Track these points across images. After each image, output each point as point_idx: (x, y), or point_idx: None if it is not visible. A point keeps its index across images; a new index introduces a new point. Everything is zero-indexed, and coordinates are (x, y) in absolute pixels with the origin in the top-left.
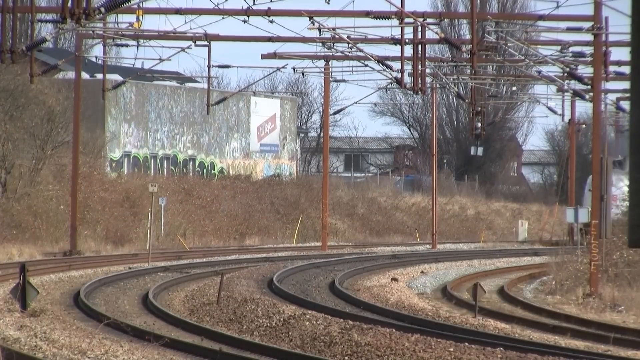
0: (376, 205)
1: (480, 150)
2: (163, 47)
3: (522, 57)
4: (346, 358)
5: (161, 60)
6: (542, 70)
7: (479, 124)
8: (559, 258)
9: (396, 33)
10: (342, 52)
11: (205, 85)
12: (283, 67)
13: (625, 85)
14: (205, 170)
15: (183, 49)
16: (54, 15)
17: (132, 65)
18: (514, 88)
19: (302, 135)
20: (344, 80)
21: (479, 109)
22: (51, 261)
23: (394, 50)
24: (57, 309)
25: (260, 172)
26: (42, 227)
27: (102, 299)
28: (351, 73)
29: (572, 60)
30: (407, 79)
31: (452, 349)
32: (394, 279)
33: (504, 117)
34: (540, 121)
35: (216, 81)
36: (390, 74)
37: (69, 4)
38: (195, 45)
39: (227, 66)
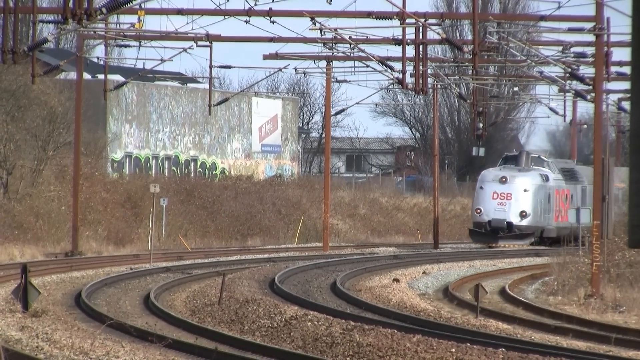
0: (378, 205)
1: (482, 151)
2: (164, 47)
3: (524, 58)
4: (348, 359)
5: (163, 60)
6: (544, 70)
7: (481, 125)
8: (561, 259)
9: (398, 33)
10: (343, 52)
11: (207, 86)
12: (284, 68)
13: (627, 85)
14: (206, 170)
15: (184, 50)
16: (55, 16)
17: (133, 66)
18: (516, 88)
19: (303, 135)
20: (345, 81)
21: (481, 109)
22: (53, 262)
23: (395, 51)
24: (58, 309)
25: (261, 172)
26: (43, 227)
27: (104, 299)
28: (353, 73)
29: (574, 61)
30: (409, 80)
31: (453, 350)
32: (396, 280)
33: (506, 117)
34: (542, 122)
35: (218, 82)
36: (391, 74)
37: (71, 4)
38: (197, 46)
39: (229, 67)
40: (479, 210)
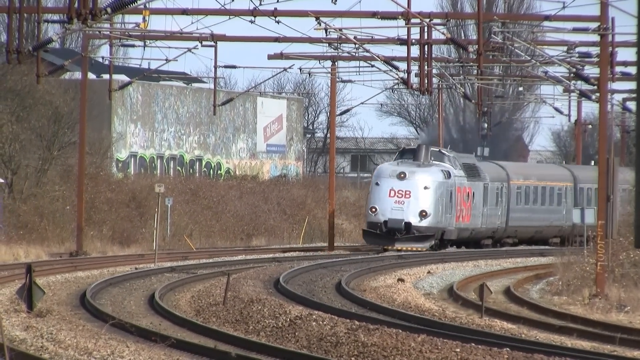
0: None
1: (486, 151)
2: (169, 47)
3: (529, 58)
4: (352, 358)
5: (168, 60)
6: (549, 70)
7: (486, 125)
8: (565, 258)
9: (403, 33)
10: (348, 52)
11: (212, 86)
12: (289, 68)
13: (632, 85)
14: (211, 170)
15: (189, 50)
16: (60, 16)
17: (138, 66)
18: (521, 88)
19: (308, 135)
20: (350, 81)
21: (486, 109)
22: (57, 262)
23: (400, 51)
24: (63, 309)
25: (266, 172)
26: (48, 227)
27: (109, 299)
28: (358, 73)
29: (579, 61)
30: (414, 80)
31: (458, 350)
32: (401, 280)
33: (511, 117)
34: (547, 121)
35: (223, 81)
36: (396, 74)
37: (76, 4)
38: (202, 46)
39: (234, 66)
40: (374, 209)
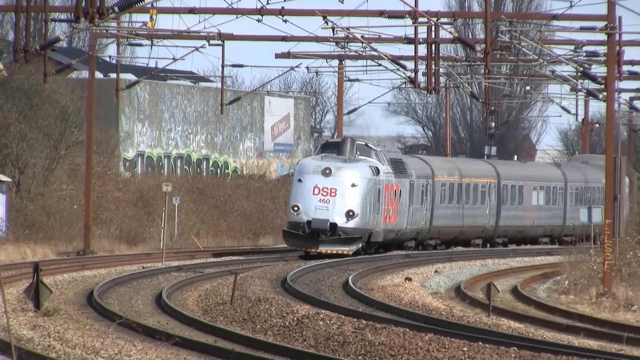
0: None
1: (494, 150)
2: (177, 46)
3: (536, 57)
4: (360, 357)
5: (175, 59)
6: (556, 69)
7: (493, 124)
8: (573, 257)
9: (410, 32)
10: (355, 51)
11: (219, 85)
12: (297, 67)
13: (639, 84)
14: (219, 169)
15: (197, 49)
16: (67, 15)
17: (145, 65)
18: (528, 87)
19: (316, 134)
20: (357, 80)
21: (493, 108)
22: (65, 261)
23: (407, 50)
24: (70, 308)
25: (274, 171)
26: (55, 226)
27: (116, 298)
28: (365, 72)
29: (586, 60)
30: (421, 79)
31: (465, 349)
32: (408, 279)
33: (518, 116)
34: (554, 120)
35: (230, 80)
36: (404, 73)
37: (83, 3)
38: (209, 45)
39: (241, 65)
40: (296, 208)
